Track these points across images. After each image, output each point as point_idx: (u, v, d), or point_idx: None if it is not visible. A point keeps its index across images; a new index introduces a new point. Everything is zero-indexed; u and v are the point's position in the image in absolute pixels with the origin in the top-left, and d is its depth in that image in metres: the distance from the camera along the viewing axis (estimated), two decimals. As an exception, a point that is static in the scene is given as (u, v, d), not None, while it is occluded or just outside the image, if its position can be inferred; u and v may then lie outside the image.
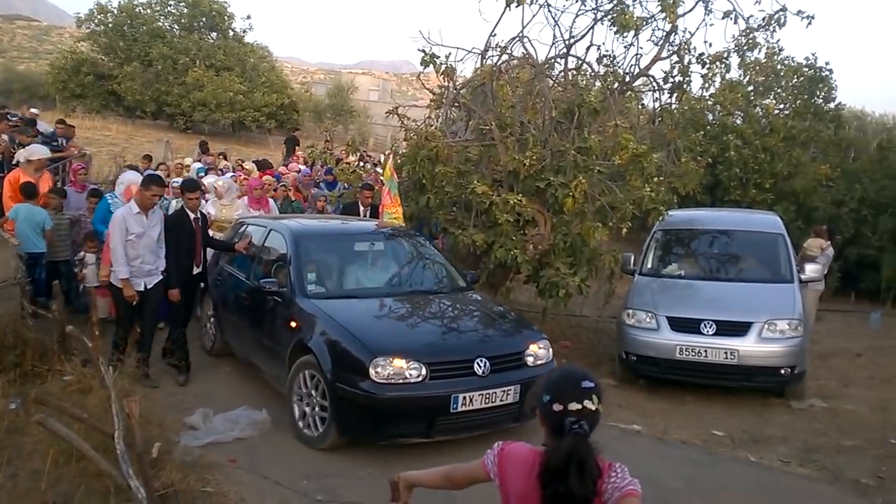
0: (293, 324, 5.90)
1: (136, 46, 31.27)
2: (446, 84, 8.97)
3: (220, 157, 15.90)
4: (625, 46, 8.78)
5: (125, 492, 3.76)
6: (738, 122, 15.68)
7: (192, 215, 7.01)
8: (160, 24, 32.96)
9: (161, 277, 6.73)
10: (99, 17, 32.02)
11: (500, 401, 5.32)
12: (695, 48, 8.90)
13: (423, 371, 5.14)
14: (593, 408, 2.04)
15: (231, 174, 11.69)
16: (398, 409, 5.15)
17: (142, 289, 6.57)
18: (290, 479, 4.89)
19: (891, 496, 5.18)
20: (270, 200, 9.48)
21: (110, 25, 32.04)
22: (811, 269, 8.02)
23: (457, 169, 8.42)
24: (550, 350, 5.92)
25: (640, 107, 9.84)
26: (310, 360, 5.54)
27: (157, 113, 31.05)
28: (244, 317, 6.92)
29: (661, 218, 8.24)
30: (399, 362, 5.13)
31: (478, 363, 5.31)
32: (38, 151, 8.87)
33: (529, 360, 5.67)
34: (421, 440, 5.22)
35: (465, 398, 5.16)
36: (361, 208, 9.19)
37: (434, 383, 5.17)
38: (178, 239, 6.83)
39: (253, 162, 14.53)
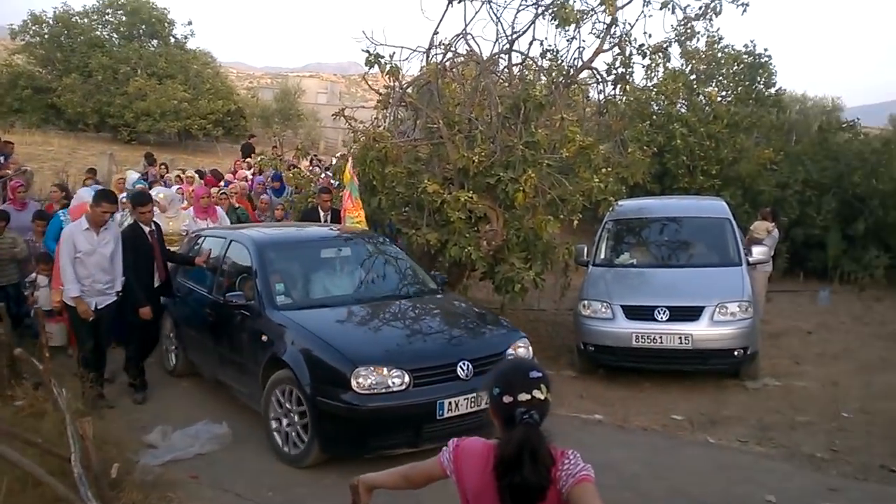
0: (264, 338, 5.67)
1: (75, 57, 30.41)
2: (392, 84, 8.93)
3: (163, 167, 15.57)
4: (567, 40, 8.89)
5: None
6: (683, 110, 15.94)
7: (146, 228, 6.77)
8: (98, 33, 32.10)
9: (114, 298, 6.45)
10: (33, 28, 31.01)
11: (485, 404, 5.20)
12: (635, 39, 9.03)
13: (407, 378, 4.99)
14: (542, 397, 2.07)
15: (176, 186, 11.40)
16: (383, 420, 4.99)
17: (93, 308, 6.30)
18: (254, 491, 4.84)
19: (844, 468, 5.32)
20: (219, 209, 9.26)
21: (46, 36, 31.07)
22: (758, 252, 8.20)
23: (407, 169, 8.41)
24: (531, 349, 5.83)
25: (585, 99, 9.93)
26: (286, 375, 5.33)
27: (99, 125, 30.23)
28: (209, 333, 6.66)
29: (611, 208, 8.34)
30: (381, 371, 4.97)
31: (461, 367, 5.18)
32: None
33: None
34: (408, 450, 4.98)
35: (450, 403, 5.03)
36: (322, 213, 8.93)
37: (418, 390, 5.03)
38: (136, 255, 6.61)
39: (198, 172, 14.25)
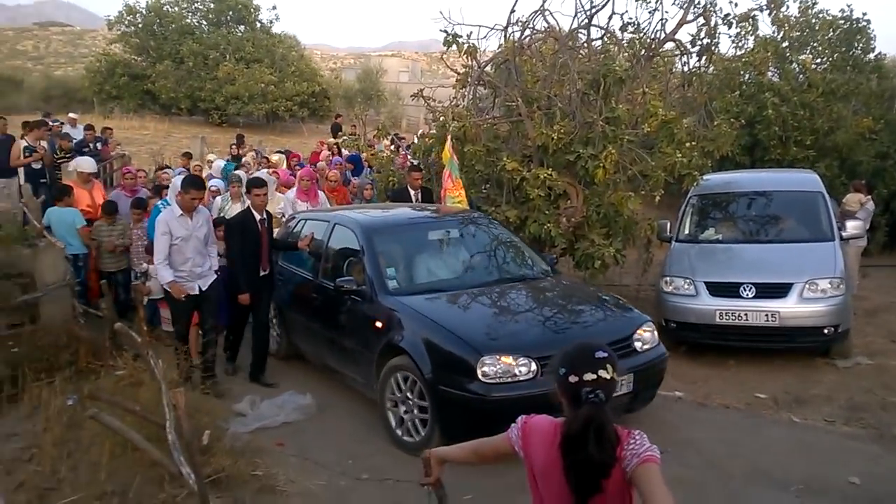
0: (378, 324, 5.47)
1: (167, 45, 31.78)
2: (470, 63, 8.97)
3: (251, 149, 15.90)
4: (649, 12, 8.70)
5: (178, 479, 3.89)
6: (775, 79, 15.29)
7: (257, 216, 6.60)
8: (188, 20, 33.43)
9: (215, 277, 6.47)
10: (128, 18, 32.56)
11: (616, 392, 4.84)
12: (721, 9, 8.75)
13: (534, 367, 4.73)
14: (608, 377, 2.10)
15: (265, 169, 11.58)
16: (509, 410, 4.64)
17: (197, 292, 6.31)
18: (336, 459, 5.02)
19: (938, 451, 5.11)
20: (320, 193, 8.92)
21: (140, 26, 32.58)
22: (852, 226, 7.88)
23: (486, 147, 8.45)
24: (656, 332, 5.49)
25: (669, 72, 9.70)
26: (403, 363, 5.15)
27: (192, 109, 31.54)
28: (316, 319, 6.47)
29: (695, 183, 8.15)
30: (507, 359, 4.73)
31: None
32: (84, 165, 8.82)
33: (637, 345, 5.23)
34: None
35: None
36: (412, 192, 8.45)
37: (546, 379, 4.72)
38: (243, 242, 6.50)
39: (284, 151, 14.59)
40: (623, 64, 8.34)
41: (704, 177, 8.28)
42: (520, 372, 4.73)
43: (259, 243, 6.59)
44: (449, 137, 8.13)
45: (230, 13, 33.73)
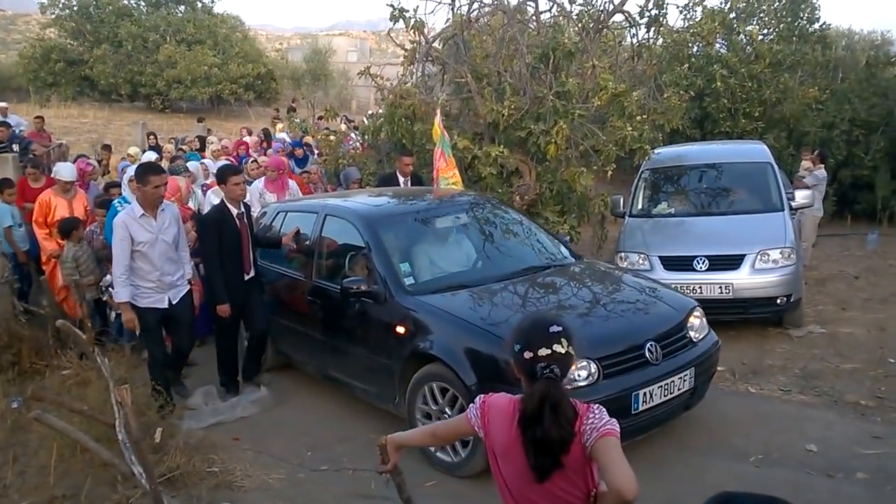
0: (400, 329, 4.80)
1: (104, 28, 30.48)
2: (418, 38, 8.76)
3: (152, 137, 14.82)
4: (597, -17, 8.56)
5: (131, 479, 3.79)
6: (723, 51, 15.39)
7: (234, 210, 5.62)
8: (125, 2, 32.15)
9: (188, 288, 5.57)
10: (63, 1, 31.26)
11: (678, 389, 4.44)
12: (669, -21, 8.66)
13: (594, 369, 4.17)
14: (563, 351, 2.09)
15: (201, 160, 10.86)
16: None
17: (166, 305, 5.38)
18: (294, 452, 4.91)
19: (889, 415, 5.18)
20: (291, 182, 8.25)
21: (75, 8, 31.20)
22: (801, 196, 7.92)
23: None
24: (705, 318, 4.99)
25: (619, 45, 9.62)
26: (437, 372, 4.53)
27: (132, 95, 30.42)
28: (313, 325, 5.73)
29: (647, 157, 8.11)
30: None
31: (649, 349, 4.37)
32: (63, 172, 7.56)
33: (692, 334, 4.75)
34: None
35: (645, 394, 4.23)
36: (401, 180, 7.69)
37: (608, 382, 4.17)
38: (222, 242, 5.55)
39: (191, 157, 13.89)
40: (572, 37, 8.22)
41: (655, 150, 8.25)
42: (579, 376, 4.11)
43: (240, 242, 5.64)
44: (438, 112, 7.60)
45: (170, -6, 32.66)
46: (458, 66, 8.41)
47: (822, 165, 10.54)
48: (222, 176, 5.75)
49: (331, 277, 5.53)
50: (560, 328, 2.12)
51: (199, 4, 33.36)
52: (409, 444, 2.59)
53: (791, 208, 7.75)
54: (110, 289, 6.07)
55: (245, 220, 5.70)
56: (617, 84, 7.79)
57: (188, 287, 5.56)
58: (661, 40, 9.91)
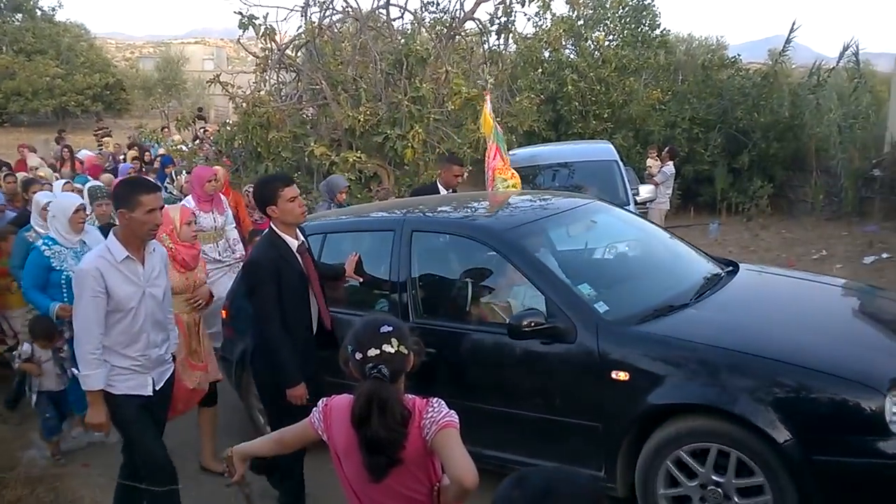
0: (619, 375, 3.45)
1: (-70, 38, 28.04)
2: (269, 46, 8.61)
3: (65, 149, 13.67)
4: (448, -9, 8.74)
5: None
6: (573, 57, 16.11)
7: (292, 242, 3.79)
8: (-45, 10, 29.71)
9: (172, 365, 3.75)
10: None
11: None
12: (515, -12, 8.97)
13: None
14: (392, 350, 2.09)
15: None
16: None
17: (150, 392, 3.53)
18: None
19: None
20: (222, 196, 6.23)
21: None
22: (644, 191, 8.42)
23: (292, 133, 8.18)
24: None
25: (471, 51, 9.86)
26: (702, 428, 3.31)
27: (-33, 109, 28.11)
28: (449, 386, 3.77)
29: (502, 158, 8.32)
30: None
31: None
32: None
33: None
34: None
35: None
36: (444, 192, 6.18)
37: None
38: (284, 294, 3.68)
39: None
40: (425, 43, 8.35)
41: (510, 152, 8.49)
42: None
43: (307, 285, 3.84)
44: (488, 100, 6.79)
45: (4, 1, 30.31)
46: (312, 74, 8.33)
47: (672, 162, 11.22)
48: (269, 193, 3.73)
49: (513, 316, 3.77)
50: (391, 328, 2.12)
51: (39, 12, 31.22)
52: (255, 454, 2.53)
53: (636, 202, 8.20)
54: (42, 361, 4.82)
55: (310, 255, 3.92)
56: (470, 89, 7.98)
57: (171, 363, 3.75)
58: (513, 46, 10.23)
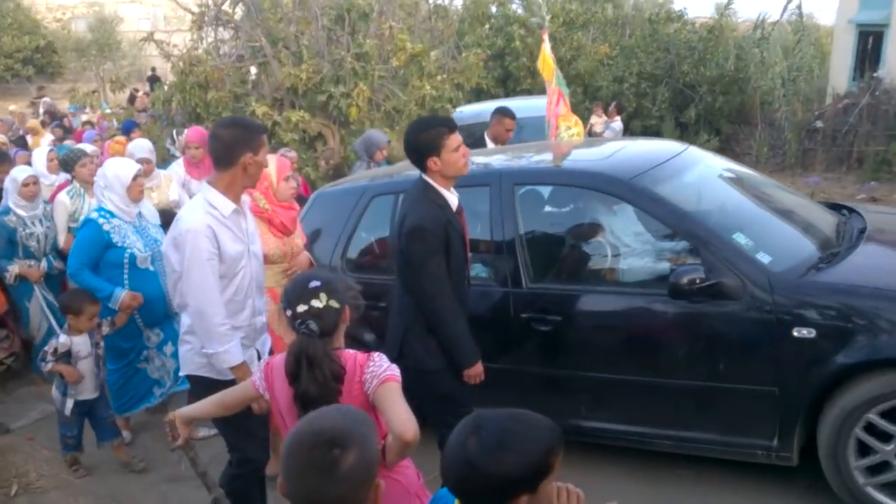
0: (802, 332, 3.10)
1: None
2: (205, 1, 8.29)
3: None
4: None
5: None
6: (520, 11, 15.92)
7: (453, 200, 3.19)
8: None
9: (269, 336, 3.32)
10: None
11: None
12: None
13: None
14: (321, 305, 2.08)
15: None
16: None
17: (258, 370, 2.69)
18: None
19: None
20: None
21: None
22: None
23: (232, 93, 7.91)
24: None
25: (415, 5, 9.65)
26: None
27: None
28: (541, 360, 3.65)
29: (448, 115, 8.21)
30: None
31: None
32: None
33: None
34: None
35: None
36: (493, 146, 5.70)
37: None
38: (449, 260, 3.13)
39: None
40: (368, -2, 8.13)
41: (457, 109, 8.38)
42: None
43: (465, 255, 3.32)
44: (546, 38, 6.20)
45: (-81, -44, 28.61)
46: (251, 31, 8.06)
47: (619, 117, 11.23)
48: (431, 141, 3.09)
49: (673, 270, 3.36)
50: (318, 283, 2.11)
51: (-41, -31, 29.53)
52: (198, 417, 2.52)
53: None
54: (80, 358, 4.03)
55: (464, 215, 3.33)
56: (415, 45, 7.82)
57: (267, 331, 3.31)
58: (459, 1, 10.06)
